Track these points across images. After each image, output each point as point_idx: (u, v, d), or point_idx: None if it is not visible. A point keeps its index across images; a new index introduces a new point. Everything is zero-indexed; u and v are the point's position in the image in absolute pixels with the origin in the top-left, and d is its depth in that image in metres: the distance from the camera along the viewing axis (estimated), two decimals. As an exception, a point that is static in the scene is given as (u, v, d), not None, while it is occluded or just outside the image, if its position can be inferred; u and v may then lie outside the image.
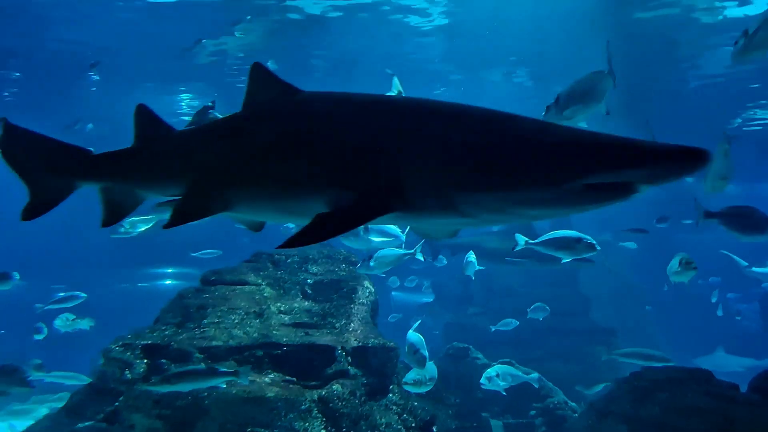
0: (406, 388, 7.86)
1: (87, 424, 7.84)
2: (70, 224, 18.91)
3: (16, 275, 10.53)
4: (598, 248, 7.92)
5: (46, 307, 12.90)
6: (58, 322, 12.38)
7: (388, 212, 2.53)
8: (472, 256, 11.04)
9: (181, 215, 3.07)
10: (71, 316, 12.34)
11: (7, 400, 13.51)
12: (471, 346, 13.56)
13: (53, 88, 17.85)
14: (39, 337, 13.70)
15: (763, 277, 18.37)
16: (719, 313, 20.21)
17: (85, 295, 12.87)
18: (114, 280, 22.80)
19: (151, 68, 16.28)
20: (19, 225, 3.90)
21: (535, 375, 12.00)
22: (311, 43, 14.58)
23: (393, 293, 23.68)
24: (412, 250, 8.45)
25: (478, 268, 11.15)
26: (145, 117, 3.64)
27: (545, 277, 17.07)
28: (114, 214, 3.71)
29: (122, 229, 9.72)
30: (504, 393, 10.04)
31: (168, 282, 25.06)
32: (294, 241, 2.48)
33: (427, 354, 7.64)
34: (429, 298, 21.93)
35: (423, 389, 7.88)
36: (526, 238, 8.62)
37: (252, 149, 3.05)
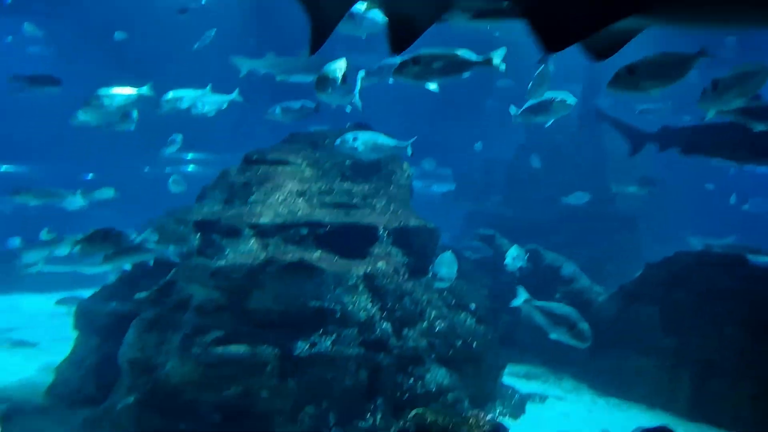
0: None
1: (144, 294, 8.19)
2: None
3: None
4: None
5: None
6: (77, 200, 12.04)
7: None
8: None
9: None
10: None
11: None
12: (496, 233, 13.84)
13: None
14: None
15: None
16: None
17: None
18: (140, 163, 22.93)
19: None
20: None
21: (562, 258, 12.32)
22: None
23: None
24: (406, 143, 8.05)
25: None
26: None
27: (570, 162, 17.10)
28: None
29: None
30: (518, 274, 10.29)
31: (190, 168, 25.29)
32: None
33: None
34: (449, 187, 22.07)
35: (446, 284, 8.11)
36: None
37: None
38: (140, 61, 18.21)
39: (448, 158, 21.91)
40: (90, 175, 22.10)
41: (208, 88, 9.94)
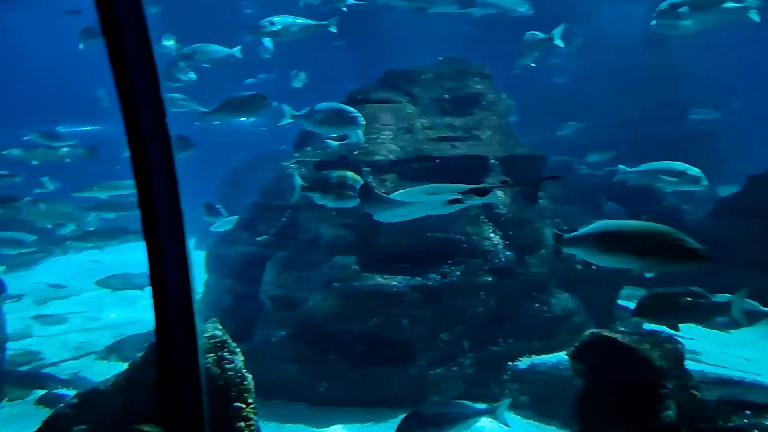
0: None
1: (263, 238, 8.49)
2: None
3: None
4: None
5: None
6: None
7: None
8: None
9: None
10: None
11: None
12: (573, 158, 13.79)
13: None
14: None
15: None
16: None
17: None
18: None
19: None
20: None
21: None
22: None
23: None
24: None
25: None
26: None
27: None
28: None
29: None
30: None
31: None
32: None
33: None
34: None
35: None
36: None
37: None
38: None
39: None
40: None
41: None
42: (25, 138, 11.05)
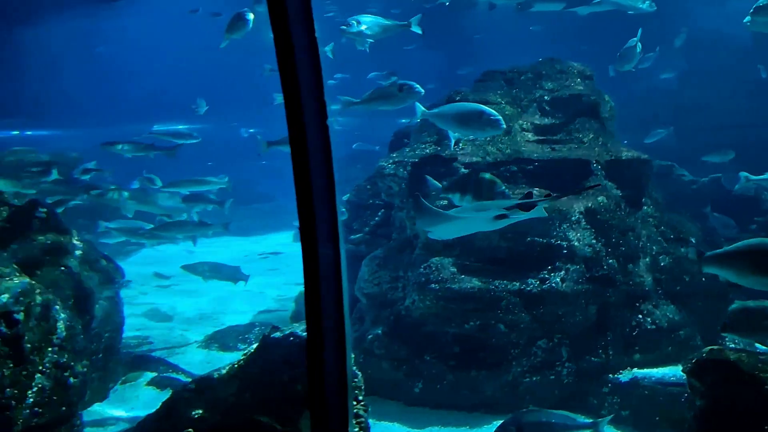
0: None
1: (358, 236, 8.61)
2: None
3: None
4: None
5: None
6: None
7: None
8: None
9: None
10: None
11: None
12: (675, 164, 13.13)
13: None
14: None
15: None
16: None
17: None
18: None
19: None
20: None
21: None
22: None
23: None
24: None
25: None
26: None
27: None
28: None
29: None
30: None
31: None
32: None
33: None
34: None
35: None
36: None
37: None
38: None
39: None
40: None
41: None
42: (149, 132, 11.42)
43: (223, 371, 4.99)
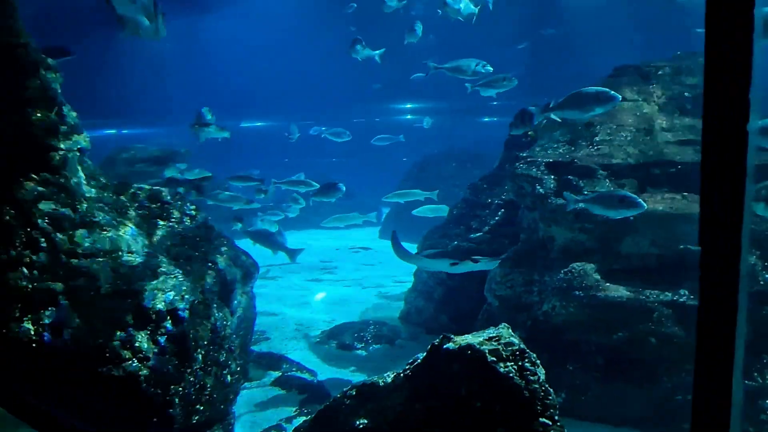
0: None
1: (477, 235, 8.32)
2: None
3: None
4: None
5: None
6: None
7: None
8: None
9: None
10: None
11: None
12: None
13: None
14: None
15: None
16: None
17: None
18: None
19: None
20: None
21: None
22: None
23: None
24: None
25: None
26: None
27: None
28: None
29: None
30: None
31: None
32: None
33: None
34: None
35: None
36: None
37: None
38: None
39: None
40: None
41: None
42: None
43: (389, 380, 4.81)
